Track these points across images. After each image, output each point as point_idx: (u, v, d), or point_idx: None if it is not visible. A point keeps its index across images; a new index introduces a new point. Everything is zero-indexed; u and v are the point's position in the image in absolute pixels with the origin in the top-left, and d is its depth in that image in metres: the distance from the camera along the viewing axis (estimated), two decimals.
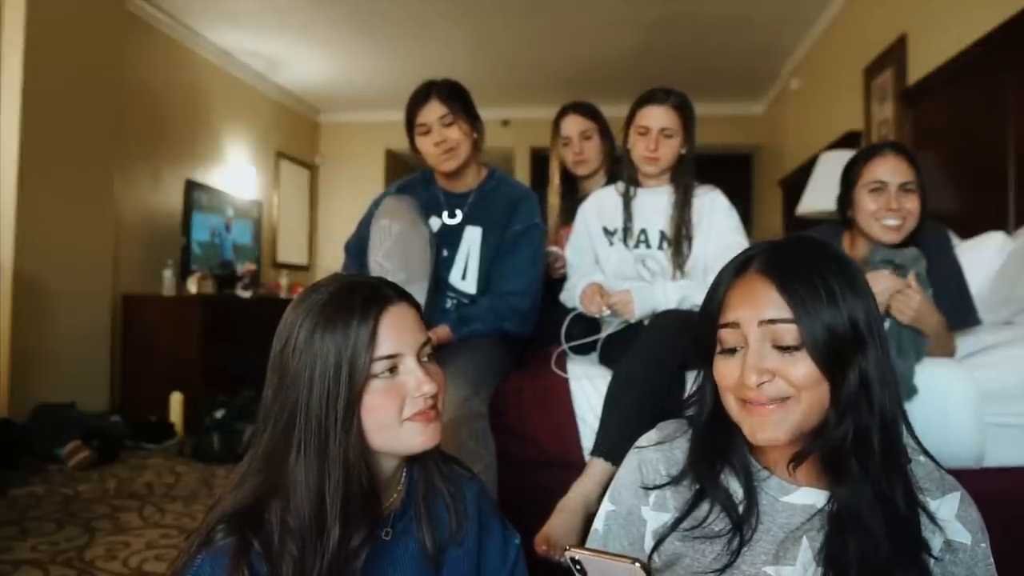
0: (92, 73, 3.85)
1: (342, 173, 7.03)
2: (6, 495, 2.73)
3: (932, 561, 0.78)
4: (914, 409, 1.48)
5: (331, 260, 6.75)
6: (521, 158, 6.90)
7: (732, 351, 0.81)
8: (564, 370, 1.82)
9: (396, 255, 1.83)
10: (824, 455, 0.80)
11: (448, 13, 4.60)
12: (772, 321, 0.77)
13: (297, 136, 6.70)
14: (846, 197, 1.67)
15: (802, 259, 0.81)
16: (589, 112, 2.48)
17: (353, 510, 0.81)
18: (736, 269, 0.84)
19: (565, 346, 1.85)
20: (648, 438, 0.94)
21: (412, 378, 0.85)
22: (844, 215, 1.70)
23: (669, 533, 0.87)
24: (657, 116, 1.85)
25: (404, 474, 0.94)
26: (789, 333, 0.77)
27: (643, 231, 1.92)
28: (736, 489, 0.85)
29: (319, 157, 7.07)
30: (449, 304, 1.98)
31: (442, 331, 1.84)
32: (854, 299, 0.78)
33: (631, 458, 0.94)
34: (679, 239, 1.87)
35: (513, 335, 1.91)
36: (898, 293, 1.49)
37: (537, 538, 1.42)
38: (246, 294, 4.84)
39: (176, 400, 4.00)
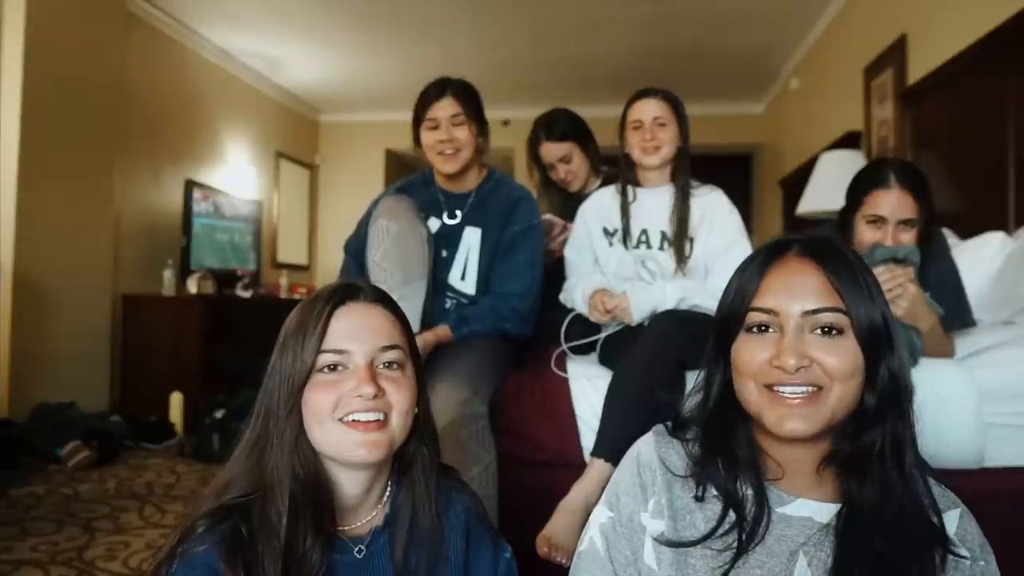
0: (92, 73, 3.85)
1: (342, 173, 7.02)
2: (6, 495, 2.73)
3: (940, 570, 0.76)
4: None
5: (331, 260, 6.74)
6: (521, 158, 6.88)
7: (763, 331, 0.80)
8: (564, 370, 1.82)
9: (393, 255, 1.83)
10: (853, 455, 0.78)
11: (449, 13, 4.60)
12: (816, 311, 0.77)
13: (297, 136, 6.69)
14: (847, 215, 1.65)
15: (840, 252, 0.81)
16: (563, 133, 2.43)
17: (301, 507, 0.83)
18: (772, 252, 0.82)
19: (564, 346, 1.85)
20: (645, 441, 0.91)
21: (353, 378, 0.85)
22: (843, 228, 1.68)
23: (665, 541, 0.83)
24: (648, 107, 1.87)
25: (389, 491, 0.93)
26: (835, 319, 0.77)
27: (643, 232, 1.92)
28: (747, 493, 0.81)
29: (319, 157, 7.07)
30: (448, 304, 1.98)
31: (442, 331, 1.84)
32: (881, 299, 0.80)
33: (628, 463, 0.90)
34: (680, 239, 1.86)
35: (513, 336, 1.91)
36: (897, 286, 1.49)
37: (538, 539, 1.42)
38: (246, 294, 4.83)
39: (176, 400, 4.00)
